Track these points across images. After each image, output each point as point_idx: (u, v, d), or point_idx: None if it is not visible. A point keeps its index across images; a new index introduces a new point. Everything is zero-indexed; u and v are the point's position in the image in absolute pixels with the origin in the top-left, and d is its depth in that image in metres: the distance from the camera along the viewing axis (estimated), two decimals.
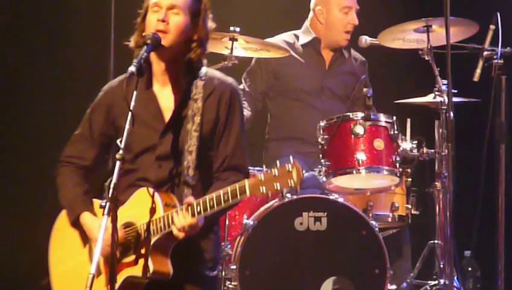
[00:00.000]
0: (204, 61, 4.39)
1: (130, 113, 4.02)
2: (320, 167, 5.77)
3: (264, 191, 3.96)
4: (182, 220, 4.07)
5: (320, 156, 5.77)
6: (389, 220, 5.99)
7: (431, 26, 5.91)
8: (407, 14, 6.30)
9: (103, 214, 3.89)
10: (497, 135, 5.89)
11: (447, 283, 5.66)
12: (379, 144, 5.71)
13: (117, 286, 4.00)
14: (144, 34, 4.26)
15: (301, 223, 5.59)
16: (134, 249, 4.16)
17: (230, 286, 5.58)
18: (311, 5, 6.56)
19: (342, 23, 6.44)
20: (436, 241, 5.91)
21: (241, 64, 6.23)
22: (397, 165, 5.73)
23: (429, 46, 5.90)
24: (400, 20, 5.98)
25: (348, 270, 5.56)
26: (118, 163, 3.95)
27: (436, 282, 5.84)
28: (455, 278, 5.75)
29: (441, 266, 5.85)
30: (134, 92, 4.08)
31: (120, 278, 4.11)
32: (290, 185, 3.93)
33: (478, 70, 5.97)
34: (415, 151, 5.84)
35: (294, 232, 5.57)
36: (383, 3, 7.02)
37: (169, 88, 4.35)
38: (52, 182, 4.47)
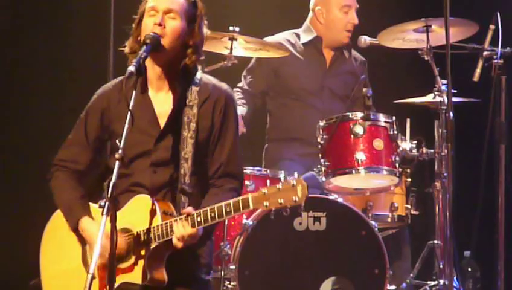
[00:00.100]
0: (199, 66, 4.39)
1: (129, 112, 4.01)
2: (319, 166, 5.77)
3: (268, 206, 3.97)
4: (181, 230, 4.07)
5: (320, 156, 5.77)
6: (389, 220, 5.99)
7: (431, 26, 5.91)
8: (406, 14, 6.29)
9: (102, 214, 3.88)
10: (497, 135, 5.89)
11: (446, 283, 5.66)
12: (378, 144, 5.70)
13: None
14: (139, 38, 4.27)
15: (300, 223, 5.59)
16: (131, 255, 4.15)
17: (229, 286, 5.58)
18: (311, 5, 6.56)
19: (342, 23, 6.44)
20: (435, 242, 5.90)
21: (240, 64, 6.22)
22: (397, 165, 5.73)
23: (429, 46, 5.90)
24: (400, 20, 5.98)
25: (347, 270, 5.56)
26: (117, 163, 3.94)
27: (436, 282, 5.83)
28: (455, 278, 5.74)
29: (441, 266, 5.84)
30: (134, 92, 4.07)
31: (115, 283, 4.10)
32: (294, 201, 3.93)
33: (478, 71, 5.97)
34: (414, 151, 5.84)
35: (293, 232, 5.57)
36: (383, 3, 7.01)
37: (164, 93, 4.35)
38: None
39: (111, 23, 6.03)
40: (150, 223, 4.13)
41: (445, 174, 5.80)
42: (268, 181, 4.06)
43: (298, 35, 6.57)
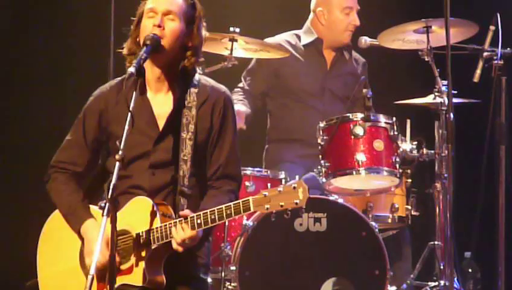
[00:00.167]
0: (198, 68, 4.39)
1: (130, 114, 4.00)
2: (320, 167, 5.76)
3: (269, 208, 3.97)
4: (181, 232, 4.07)
5: (320, 157, 5.77)
6: (389, 221, 5.99)
7: (431, 27, 5.91)
8: (407, 15, 6.29)
9: (102, 215, 3.88)
10: (497, 136, 5.89)
11: (447, 284, 5.66)
12: (379, 144, 5.70)
13: None
14: (138, 39, 4.26)
15: (301, 224, 5.59)
16: (129, 257, 4.14)
17: (230, 287, 5.58)
18: (312, 7, 6.56)
19: (344, 24, 6.44)
20: (436, 243, 5.90)
21: (240, 65, 6.22)
22: (397, 166, 5.73)
23: (429, 47, 5.90)
24: (400, 21, 5.98)
25: (347, 271, 5.56)
26: (117, 164, 3.93)
27: (436, 283, 5.83)
28: (455, 279, 5.74)
29: (441, 267, 5.84)
30: (134, 93, 4.07)
31: None
32: (295, 203, 3.93)
33: (478, 71, 5.97)
34: (414, 152, 5.84)
35: (294, 233, 5.57)
36: (383, 4, 7.01)
37: (162, 95, 4.34)
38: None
39: (111, 24, 6.03)
40: (149, 225, 4.12)
41: (445, 175, 5.80)
42: (269, 184, 4.05)
43: (299, 37, 6.57)
